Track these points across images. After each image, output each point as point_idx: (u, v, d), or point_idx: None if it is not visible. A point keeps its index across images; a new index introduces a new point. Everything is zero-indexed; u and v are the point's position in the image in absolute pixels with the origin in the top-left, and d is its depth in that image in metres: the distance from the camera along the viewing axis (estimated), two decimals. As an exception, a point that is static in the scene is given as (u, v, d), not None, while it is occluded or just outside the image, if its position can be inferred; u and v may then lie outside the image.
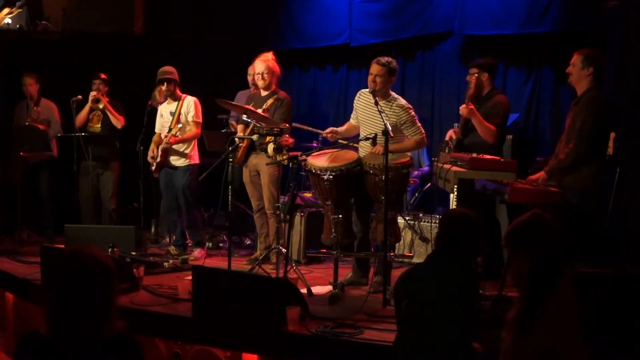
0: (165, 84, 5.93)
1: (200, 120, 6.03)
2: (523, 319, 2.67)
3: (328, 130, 5.14)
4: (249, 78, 6.39)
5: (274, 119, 5.39)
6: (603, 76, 4.44)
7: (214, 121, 6.86)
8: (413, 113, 4.94)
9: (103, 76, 6.75)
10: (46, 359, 2.15)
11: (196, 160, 6.06)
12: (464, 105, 4.99)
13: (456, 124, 6.05)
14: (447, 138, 5.35)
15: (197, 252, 5.93)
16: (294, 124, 5.52)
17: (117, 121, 6.63)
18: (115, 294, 2.21)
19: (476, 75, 5.10)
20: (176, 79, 5.99)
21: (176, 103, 6.01)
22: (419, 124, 4.97)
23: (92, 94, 6.55)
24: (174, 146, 5.94)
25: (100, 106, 6.58)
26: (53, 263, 2.03)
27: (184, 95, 6.04)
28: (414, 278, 3.07)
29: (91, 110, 6.68)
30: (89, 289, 2.13)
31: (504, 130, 5.13)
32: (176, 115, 5.95)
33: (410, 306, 2.94)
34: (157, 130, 6.15)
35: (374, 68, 4.82)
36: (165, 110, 6.09)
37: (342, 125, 5.38)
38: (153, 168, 6.04)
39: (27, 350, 2.18)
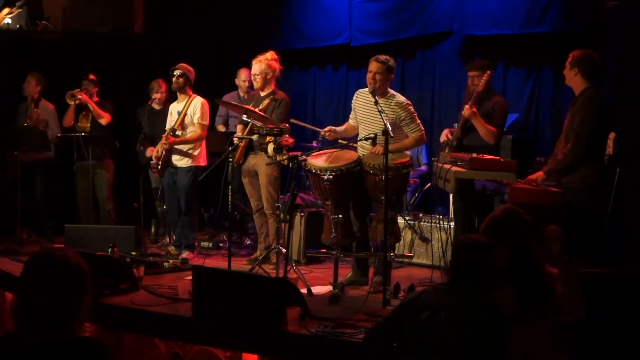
0: (175, 75, 5.93)
1: (207, 122, 5.98)
2: (526, 305, 2.75)
3: (326, 128, 5.13)
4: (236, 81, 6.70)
5: (273, 119, 5.39)
6: (597, 75, 4.41)
7: (213, 121, 6.87)
8: (412, 109, 4.92)
9: (92, 77, 6.73)
10: (14, 358, 2.14)
11: (201, 162, 6.01)
12: (467, 106, 4.99)
13: (456, 124, 6.05)
14: (442, 139, 5.34)
15: (185, 255, 5.84)
16: (291, 120, 5.51)
17: (101, 118, 6.60)
18: (85, 297, 2.19)
19: (488, 73, 5.09)
20: (188, 76, 5.94)
21: (184, 102, 5.99)
22: (419, 121, 4.96)
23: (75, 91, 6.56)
24: (177, 146, 5.93)
25: (74, 102, 6.52)
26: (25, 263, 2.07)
27: (194, 95, 6.01)
28: (435, 294, 2.83)
29: (79, 109, 6.67)
30: (53, 290, 2.12)
31: (502, 130, 5.18)
32: (182, 115, 5.93)
33: (433, 317, 2.70)
34: (167, 128, 6.10)
35: (373, 65, 4.82)
36: (174, 109, 6.07)
37: (341, 125, 5.37)
38: (159, 167, 6.00)
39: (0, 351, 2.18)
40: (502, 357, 2.62)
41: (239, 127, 5.84)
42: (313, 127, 5.33)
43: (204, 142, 6.06)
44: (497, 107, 5.07)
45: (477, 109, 5.00)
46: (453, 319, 2.66)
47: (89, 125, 6.71)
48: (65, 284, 2.14)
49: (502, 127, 5.12)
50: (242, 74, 6.85)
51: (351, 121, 5.20)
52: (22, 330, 2.14)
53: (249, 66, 5.89)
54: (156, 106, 6.71)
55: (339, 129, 5.19)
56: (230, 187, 5.15)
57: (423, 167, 6.85)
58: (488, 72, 5.05)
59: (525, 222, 2.98)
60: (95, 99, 6.72)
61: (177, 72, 5.92)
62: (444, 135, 5.31)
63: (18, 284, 2.23)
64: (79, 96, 6.52)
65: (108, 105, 6.72)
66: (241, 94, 6.88)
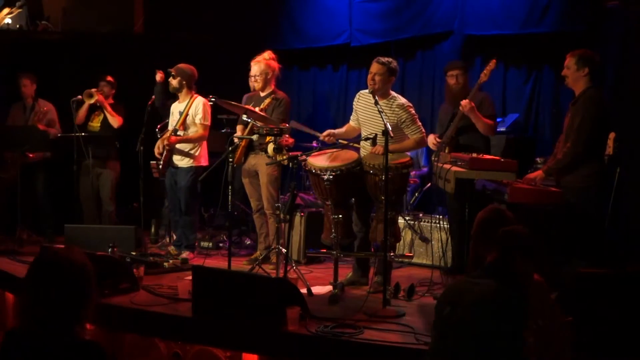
0: (170, 77, 5.94)
1: (209, 122, 5.97)
2: None
3: (325, 133, 5.13)
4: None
5: (273, 119, 5.39)
6: (600, 75, 4.45)
7: (214, 121, 6.84)
8: (413, 111, 4.93)
9: (109, 79, 6.77)
10: (18, 355, 2.15)
11: (202, 162, 6.00)
12: (466, 101, 5.00)
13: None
14: (432, 145, 5.33)
15: (185, 255, 5.83)
16: (291, 122, 5.51)
17: (114, 120, 6.62)
18: (88, 299, 2.18)
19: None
20: (185, 76, 5.94)
21: (186, 102, 5.99)
22: (419, 123, 4.97)
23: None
24: (178, 146, 5.93)
25: (92, 100, 6.55)
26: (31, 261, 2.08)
27: (195, 95, 6.00)
28: (457, 289, 2.76)
29: (92, 109, 6.69)
30: (55, 292, 2.12)
31: (496, 121, 5.36)
32: (183, 115, 5.93)
33: (452, 314, 2.63)
34: (169, 128, 6.10)
35: (374, 67, 4.83)
36: (176, 109, 6.07)
37: (342, 125, 5.37)
38: (160, 167, 5.99)
39: (5, 346, 2.18)
40: (517, 350, 2.55)
41: (239, 127, 5.84)
42: (312, 131, 5.33)
43: (205, 143, 6.06)
44: (485, 100, 5.23)
45: None
46: (468, 314, 2.58)
47: (99, 125, 6.73)
48: (68, 286, 2.14)
49: (495, 117, 5.30)
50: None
51: (352, 122, 5.20)
52: (26, 331, 2.15)
53: (247, 66, 5.88)
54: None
55: (339, 131, 5.19)
56: (230, 187, 5.15)
57: (423, 169, 6.85)
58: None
59: (514, 222, 2.96)
60: (110, 101, 6.74)
61: (172, 73, 5.94)
62: (433, 140, 5.30)
63: (22, 284, 2.23)
64: (96, 96, 6.54)
65: (121, 109, 6.75)
66: None
